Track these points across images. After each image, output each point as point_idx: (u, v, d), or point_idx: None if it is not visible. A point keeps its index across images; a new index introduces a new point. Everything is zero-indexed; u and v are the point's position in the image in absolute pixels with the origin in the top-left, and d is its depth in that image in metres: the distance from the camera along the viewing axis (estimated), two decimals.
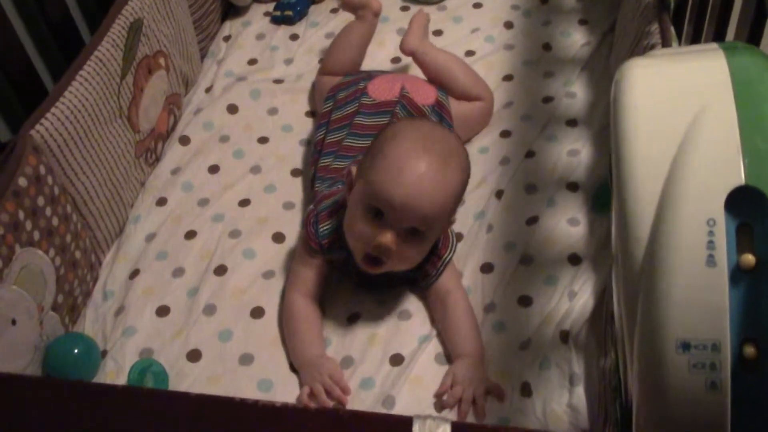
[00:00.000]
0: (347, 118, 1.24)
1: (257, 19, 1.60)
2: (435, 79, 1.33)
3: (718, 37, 1.11)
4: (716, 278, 0.50)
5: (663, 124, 0.55)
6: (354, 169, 1.07)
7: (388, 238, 1.00)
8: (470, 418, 0.99)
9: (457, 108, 1.29)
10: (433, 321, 1.10)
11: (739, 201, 0.51)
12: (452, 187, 1.02)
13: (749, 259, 0.50)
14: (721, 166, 0.52)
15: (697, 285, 0.50)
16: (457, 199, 1.06)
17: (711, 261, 0.50)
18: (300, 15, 1.59)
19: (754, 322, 0.50)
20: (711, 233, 0.50)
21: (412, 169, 0.99)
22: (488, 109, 1.35)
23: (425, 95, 1.27)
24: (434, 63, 1.34)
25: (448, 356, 1.06)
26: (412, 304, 1.12)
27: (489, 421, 0.99)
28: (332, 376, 1.02)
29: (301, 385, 1.04)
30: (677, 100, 0.56)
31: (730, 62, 0.57)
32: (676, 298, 0.50)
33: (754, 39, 0.95)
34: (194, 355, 1.09)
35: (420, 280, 1.11)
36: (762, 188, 0.51)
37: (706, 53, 0.60)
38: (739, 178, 0.51)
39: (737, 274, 0.50)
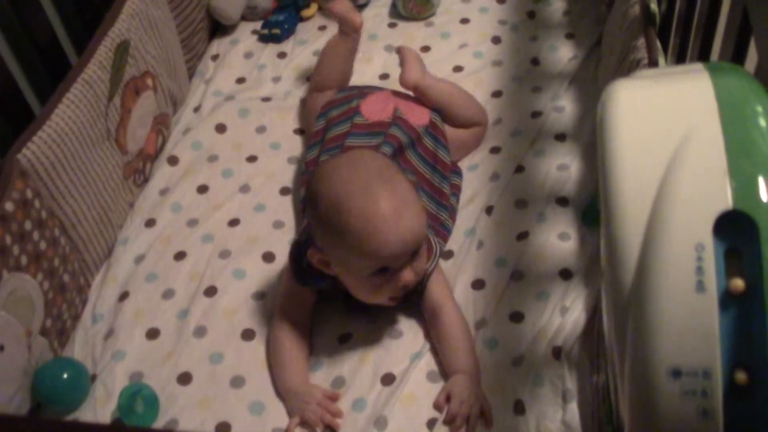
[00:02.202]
0: (340, 139, 1.23)
1: (245, 37, 1.60)
2: (435, 110, 1.31)
3: (704, 51, 1.11)
4: (706, 304, 0.50)
5: (649, 147, 0.55)
6: (315, 253, 1.04)
7: (409, 276, 1.02)
8: None
9: (453, 133, 1.29)
10: (426, 336, 1.10)
11: (727, 225, 0.51)
12: (413, 194, 1.03)
13: (738, 283, 0.50)
14: (708, 191, 0.51)
15: (687, 311, 0.50)
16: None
17: (700, 286, 0.50)
18: (287, 33, 1.59)
19: (744, 348, 0.50)
20: (700, 258, 0.50)
21: (387, 217, 0.98)
22: (483, 132, 1.35)
23: (419, 116, 1.26)
24: (437, 97, 1.31)
25: (441, 373, 1.06)
26: (403, 322, 1.12)
27: None
28: (321, 403, 1.01)
29: (290, 414, 1.03)
30: (663, 123, 0.56)
31: (716, 84, 0.57)
32: (665, 325, 0.50)
33: (739, 53, 0.96)
34: (185, 378, 1.08)
35: (410, 294, 1.11)
36: (750, 212, 0.51)
37: (691, 74, 0.60)
38: (727, 202, 0.51)
39: (727, 299, 0.50)
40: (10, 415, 0.95)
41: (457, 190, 1.26)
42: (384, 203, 0.98)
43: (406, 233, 0.99)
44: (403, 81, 1.32)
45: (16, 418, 0.73)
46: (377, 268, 1.01)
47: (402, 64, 1.33)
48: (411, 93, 1.32)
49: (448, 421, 0.99)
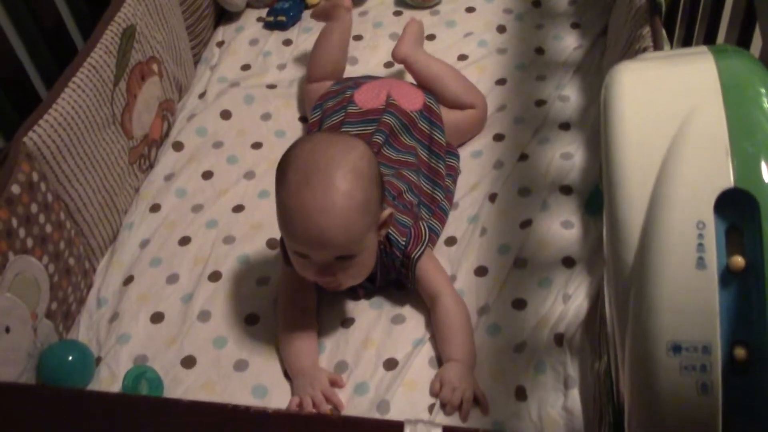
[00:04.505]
0: (335, 128, 1.24)
1: (250, 24, 1.61)
2: (426, 87, 1.33)
3: (709, 39, 1.11)
4: (706, 280, 0.50)
5: (652, 127, 0.55)
6: None
7: (324, 280, 1.03)
8: (455, 420, 0.99)
9: (448, 116, 1.29)
10: (429, 323, 1.10)
11: (729, 203, 0.51)
12: (350, 202, 0.97)
13: (739, 261, 0.50)
14: (710, 169, 0.52)
15: (687, 287, 0.50)
16: (366, 203, 0.99)
17: (701, 263, 0.50)
18: (293, 20, 1.59)
19: (744, 324, 0.50)
20: (701, 236, 0.50)
21: (302, 213, 0.97)
22: (481, 116, 1.35)
23: (412, 100, 1.27)
24: (425, 71, 1.34)
25: (440, 360, 1.06)
26: (406, 308, 1.12)
27: (483, 425, 0.99)
28: (324, 391, 1.01)
29: (294, 393, 1.04)
30: (666, 103, 0.56)
31: (719, 65, 0.57)
32: (666, 301, 0.51)
33: (744, 41, 0.96)
34: (189, 362, 1.09)
35: (404, 281, 1.12)
36: (751, 190, 0.51)
37: (695, 56, 0.60)
38: (728, 180, 0.51)
39: (727, 276, 0.50)
40: (23, 384, 0.96)
41: (453, 171, 1.27)
42: (308, 196, 0.97)
43: (315, 235, 0.97)
44: (393, 54, 1.37)
45: (27, 387, 0.74)
46: (293, 249, 1.02)
47: (400, 37, 1.38)
48: (402, 66, 1.37)
49: (442, 407, 1.00)
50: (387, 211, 1.05)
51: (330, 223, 0.97)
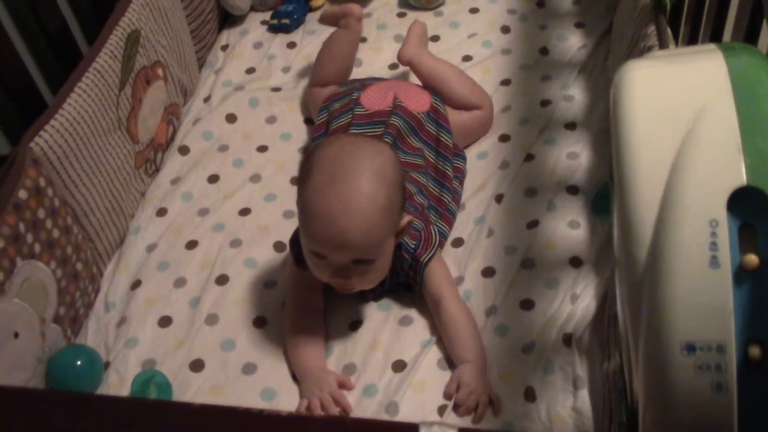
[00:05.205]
0: (342, 130, 1.24)
1: (254, 27, 1.61)
2: (431, 89, 1.33)
3: (715, 38, 1.11)
4: (720, 279, 0.50)
5: (663, 126, 0.55)
6: None
7: (338, 281, 1.03)
8: (467, 422, 0.99)
9: (454, 117, 1.29)
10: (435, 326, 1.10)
11: (741, 201, 0.51)
12: (374, 206, 0.97)
13: (752, 259, 0.50)
14: (722, 167, 0.52)
15: (701, 286, 0.50)
16: (389, 208, 1.00)
17: (714, 262, 0.50)
18: (297, 23, 1.59)
19: (758, 323, 0.50)
20: (714, 234, 0.50)
21: (325, 213, 0.97)
22: (487, 117, 1.35)
23: (419, 102, 1.27)
24: (429, 72, 1.34)
25: (451, 361, 1.06)
26: (413, 309, 1.12)
27: (493, 426, 0.98)
28: (332, 393, 1.01)
29: (302, 395, 1.04)
30: (676, 101, 0.56)
31: (729, 62, 0.57)
32: (680, 300, 0.50)
33: (750, 39, 0.95)
34: (197, 365, 1.09)
35: (411, 284, 1.12)
36: (764, 188, 0.51)
37: (704, 54, 0.60)
38: (741, 178, 0.51)
39: (741, 274, 0.50)
40: (32, 388, 0.96)
41: (459, 173, 1.26)
42: (333, 198, 0.97)
43: (337, 236, 0.97)
44: (398, 56, 1.37)
45: (36, 392, 0.74)
46: (312, 249, 1.01)
47: (404, 39, 1.38)
48: (408, 68, 1.37)
49: (456, 408, 1.00)
50: (407, 219, 1.05)
51: (352, 225, 0.97)
